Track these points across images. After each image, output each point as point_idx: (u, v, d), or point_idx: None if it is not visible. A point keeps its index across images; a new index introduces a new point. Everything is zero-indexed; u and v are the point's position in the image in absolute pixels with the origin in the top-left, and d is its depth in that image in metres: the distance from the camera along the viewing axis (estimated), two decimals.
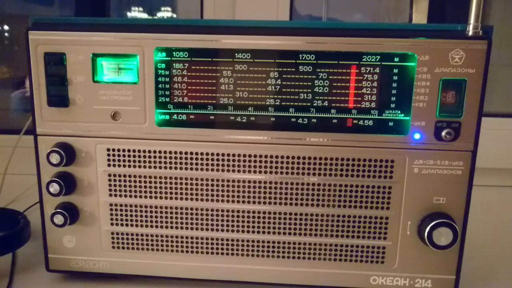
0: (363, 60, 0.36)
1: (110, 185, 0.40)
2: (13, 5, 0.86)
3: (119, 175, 0.40)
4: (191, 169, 0.39)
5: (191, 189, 0.39)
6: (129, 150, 0.39)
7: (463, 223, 0.38)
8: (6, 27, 0.85)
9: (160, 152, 0.39)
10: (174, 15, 0.89)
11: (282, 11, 0.72)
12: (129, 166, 0.39)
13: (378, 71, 0.36)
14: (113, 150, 0.39)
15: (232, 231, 0.40)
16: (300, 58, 0.37)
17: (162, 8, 0.91)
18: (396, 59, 0.36)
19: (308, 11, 0.84)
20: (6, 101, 0.86)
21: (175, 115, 0.38)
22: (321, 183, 0.38)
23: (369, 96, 0.37)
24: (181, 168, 0.39)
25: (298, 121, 0.38)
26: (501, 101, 0.78)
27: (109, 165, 0.39)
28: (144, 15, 0.91)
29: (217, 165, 0.39)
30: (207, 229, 0.40)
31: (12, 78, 0.88)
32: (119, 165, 0.39)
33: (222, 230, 0.40)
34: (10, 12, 0.86)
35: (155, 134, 0.39)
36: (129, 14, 0.90)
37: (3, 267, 0.44)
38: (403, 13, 0.84)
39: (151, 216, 0.40)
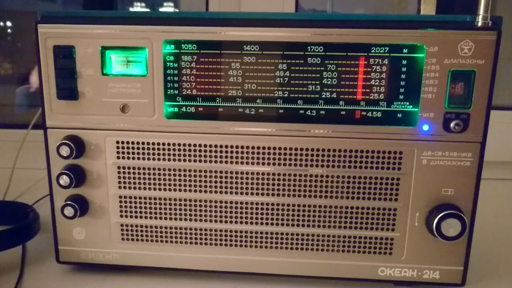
0: (372, 51, 0.36)
1: (119, 177, 0.40)
2: (16, 1, 0.86)
3: (128, 168, 0.40)
4: (200, 161, 0.39)
5: (200, 181, 0.40)
6: (138, 143, 0.39)
7: (472, 214, 0.38)
8: (9, 23, 0.85)
9: (169, 144, 0.39)
10: (177, 10, 0.89)
11: (288, 4, 0.72)
12: (138, 158, 0.40)
13: (386, 62, 0.36)
14: (122, 142, 0.39)
15: (240, 222, 0.40)
16: (309, 50, 0.37)
17: (165, 4, 0.91)
18: (405, 51, 0.36)
19: (312, 5, 0.84)
20: (11, 96, 0.86)
21: (184, 107, 0.39)
22: (329, 174, 0.39)
23: (378, 87, 0.37)
24: (189, 160, 0.39)
25: (306, 113, 0.38)
26: (508, 94, 0.78)
27: (118, 157, 0.40)
28: (147, 10, 0.91)
29: (225, 157, 0.39)
30: (215, 221, 0.40)
31: (16, 74, 0.88)
32: (128, 158, 0.40)
33: (230, 222, 0.40)
34: (13, 8, 0.86)
35: (164, 127, 0.39)
36: (131, 10, 0.90)
37: (13, 259, 0.45)
38: (406, 8, 0.84)
39: (160, 208, 0.40)
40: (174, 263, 0.42)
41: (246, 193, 0.40)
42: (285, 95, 0.38)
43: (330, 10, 0.82)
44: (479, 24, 0.35)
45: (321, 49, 0.37)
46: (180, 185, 0.40)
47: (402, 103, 0.37)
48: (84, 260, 0.42)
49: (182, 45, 0.37)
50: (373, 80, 0.37)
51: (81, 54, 0.38)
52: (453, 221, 0.37)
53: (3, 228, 0.43)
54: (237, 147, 0.39)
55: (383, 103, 0.37)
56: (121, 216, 0.41)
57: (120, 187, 0.40)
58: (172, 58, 0.38)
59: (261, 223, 0.40)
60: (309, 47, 0.37)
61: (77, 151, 0.39)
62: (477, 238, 0.40)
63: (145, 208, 0.41)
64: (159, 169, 0.40)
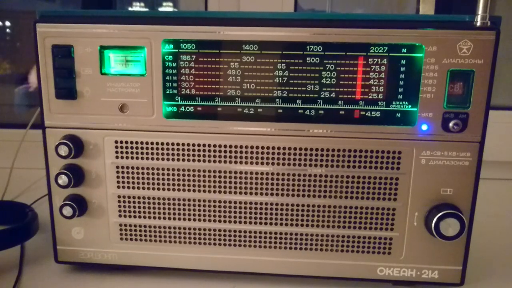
0: (371, 51, 0.36)
1: (118, 177, 0.40)
2: (15, 1, 0.86)
3: (127, 167, 0.40)
4: (198, 161, 0.39)
5: (198, 180, 0.40)
6: (137, 142, 0.39)
7: (470, 214, 0.38)
8: (8, 23, 0.85)
9: (167, 144, 0.39)
10: (176, 10, 0.89)
11: (287, 4, 0.72)
12: (137, 158, 0.39)
13: (385, 62, 0.36)
14: (121, 142, 0.39)
15: (239, 222, 0.40)
16: (308, 49, 0.37)
17: (164, 3, 0.91)
18: (404, 50, 0.36)
19: (311, 5, 0.84)
20: (10, 96, 0.86)
21: (183, 107, 0.39)
22: (328, 174, 0.39)
23: (377, 87, 0.37)
24: (188, 160, 0.39)
25: (305, 112, 0.38)
26: (506, 94, 0.78)
27: (117, 157, 0.40)
28: (146, 10, 0.91)
29: (224, 156, 0.39)
30: (214, 221, 0.40)
31: (15, 73, 0.88)
32: (127, 157, 0.40)
33: (229, 222, 0.40)
34: (12, 8, 0.86)
35: (162, 126, 0.39)
36: (130, 9, 0.90)
37: (12, 259, 0.44)
38: (405, 8, 0.84)
39: (158, 208, 0.40)
40: (173, 263, 0.42)
41: (245, 193, 0.40)
42: (284, 95, 0.38)
43: (329, 10, 0.83)
44: (478, 24, 0.35)
45: (320, 48, 0.37)
46: (178, 184, 0.40)
47: (401, 102, 0.37)
48: (82, 260, 0.42)
49: (181, 44, 0.37)
50: (372, 80, 0.37)
51: (79, 53, 0.38)
52: (452, 220, 0.37)
53: (1, 228, 0.43)
54: (236, 146, 0.39)
55: (382, 103, 0.37)
56: (120, 216, 0.41)
57: (118, 187, 0.40)
58: (171, 57, 0.38)
59: (260, 223, 0.40)
60: (308, 47, 0.37)
61: (76, 150, 0.39)
62: (476, 238, 0.40)
63: (144, 208, 0.41)
64: (157, 169, 0.40)
